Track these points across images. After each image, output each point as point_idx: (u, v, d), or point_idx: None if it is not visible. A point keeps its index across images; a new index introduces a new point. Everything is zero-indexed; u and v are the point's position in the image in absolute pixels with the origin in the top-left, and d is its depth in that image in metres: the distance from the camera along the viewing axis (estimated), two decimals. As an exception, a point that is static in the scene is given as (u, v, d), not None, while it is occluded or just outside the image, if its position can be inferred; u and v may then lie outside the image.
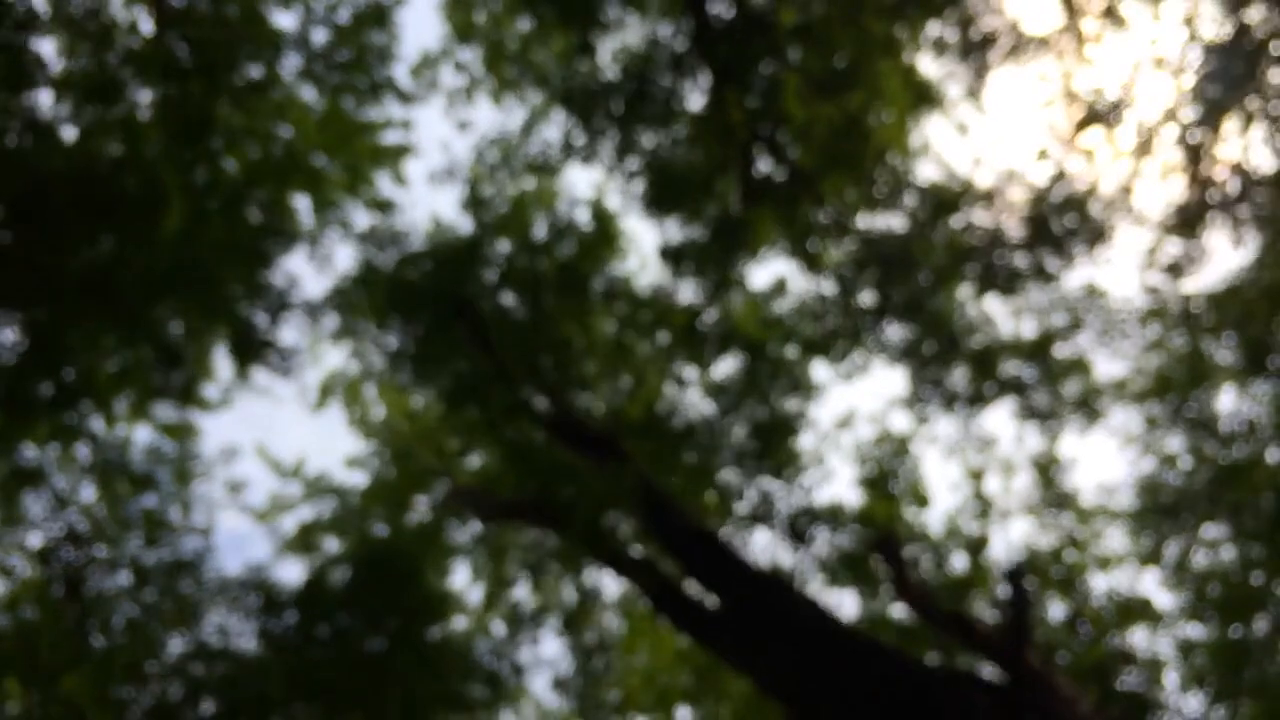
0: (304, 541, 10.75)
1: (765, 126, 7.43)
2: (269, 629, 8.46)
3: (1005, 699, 4.13)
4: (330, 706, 7.70)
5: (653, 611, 5.82)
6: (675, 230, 9.33)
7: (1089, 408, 10.69)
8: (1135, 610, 9.31)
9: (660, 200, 8.38)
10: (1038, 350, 10.17)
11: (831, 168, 7.70)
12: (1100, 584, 9.83)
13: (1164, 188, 10.98)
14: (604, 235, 10.12)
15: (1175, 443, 11.21)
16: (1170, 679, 9.92)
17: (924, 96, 8.03)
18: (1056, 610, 9.73)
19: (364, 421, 12.26)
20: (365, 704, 7.62)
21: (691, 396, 9.51)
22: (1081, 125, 10.98)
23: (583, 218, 9.93)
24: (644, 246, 10.22)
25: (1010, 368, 10.16)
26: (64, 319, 6.23)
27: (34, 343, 6.79)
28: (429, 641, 8.01)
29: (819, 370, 10.53)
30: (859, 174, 7.85)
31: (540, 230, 10.08)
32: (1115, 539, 11.18)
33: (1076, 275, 10.68)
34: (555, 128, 9.58)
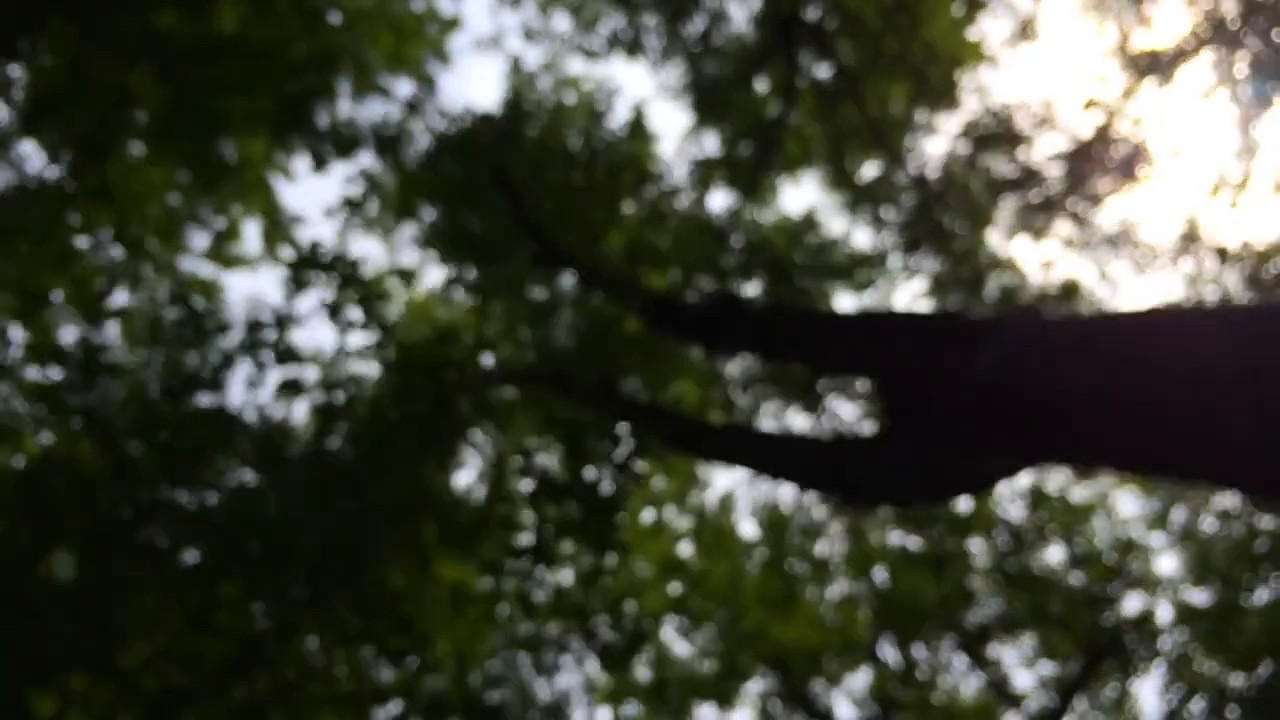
0: (314, 423, 10.87)
1: (814, 8, 7.40)
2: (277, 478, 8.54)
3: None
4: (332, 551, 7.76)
5: (667, 447, 5.88)
6: (712, 137, 9.34)
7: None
8: (1135, 548, 9.28)
9: (700, 95, 8.37)
10: (1065, 294, 10.09)
11: (877, 67, 7.67)
12: (1104, 525, 9.80)
13: (1211, 148, 10.87)
14: (638, 146, 10.12)
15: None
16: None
17: (976, 6, 7.96)
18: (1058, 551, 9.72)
19: (383, 313, 12.35)
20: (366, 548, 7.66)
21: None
22: (1133, 80, 10.89)
23: (620, 121, 9.92)
24: (680, 160, 10.19)
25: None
26: (116, 113, 6.35)
27: (78, 157, 6.89)
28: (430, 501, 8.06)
29: (843, 300, 10.50)
30: (905, 75, 7.81)
31: (575, 140, 10.09)
32: (1124, 502, 11.13)
33: (1110, 220, 10.59)
34: (602, 28, 9.58)
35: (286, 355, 7.11)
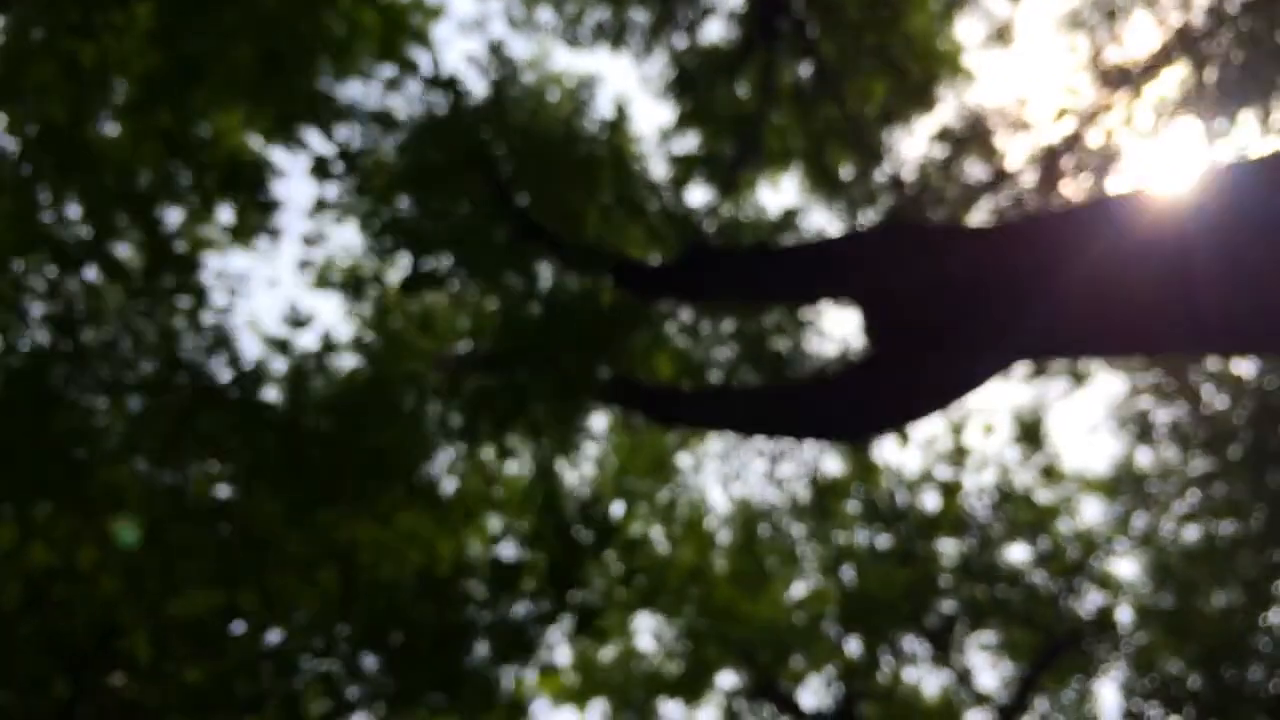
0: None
1: (797, 3, 7.49)
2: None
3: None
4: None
5: (644, 418, 5.88)
6: (692, 133, 9.40)
7: (1075, 369, 10.78)
8: (1099, 542, 9.43)
9: (682, 90, 8.43)
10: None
11: (858, 62, 7.76)
12: (1068, 526, 9.95)
13: (1179, 158, 11.13)
14: (619, 140, 10.16)
15: (1156, 415, 11.33)
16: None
17: (955, 4, 8.10)
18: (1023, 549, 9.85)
19: (358, 304, 12.30)
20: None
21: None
22: (1105, 90, 11.13)
23: (601, 113, 9.95)
24: (659, 154, 10.23)
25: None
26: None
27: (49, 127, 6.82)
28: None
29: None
30: (885, 70, 7.92)
31: (556, 127, 10.12)
32: (1088, 507, 11.33)
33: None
34: (588, 19, 9.63)
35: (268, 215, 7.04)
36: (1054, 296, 3.42)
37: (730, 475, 8.84)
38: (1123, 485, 11.24)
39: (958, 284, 3.76)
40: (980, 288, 3.69)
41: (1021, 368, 4.11)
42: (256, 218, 10.01)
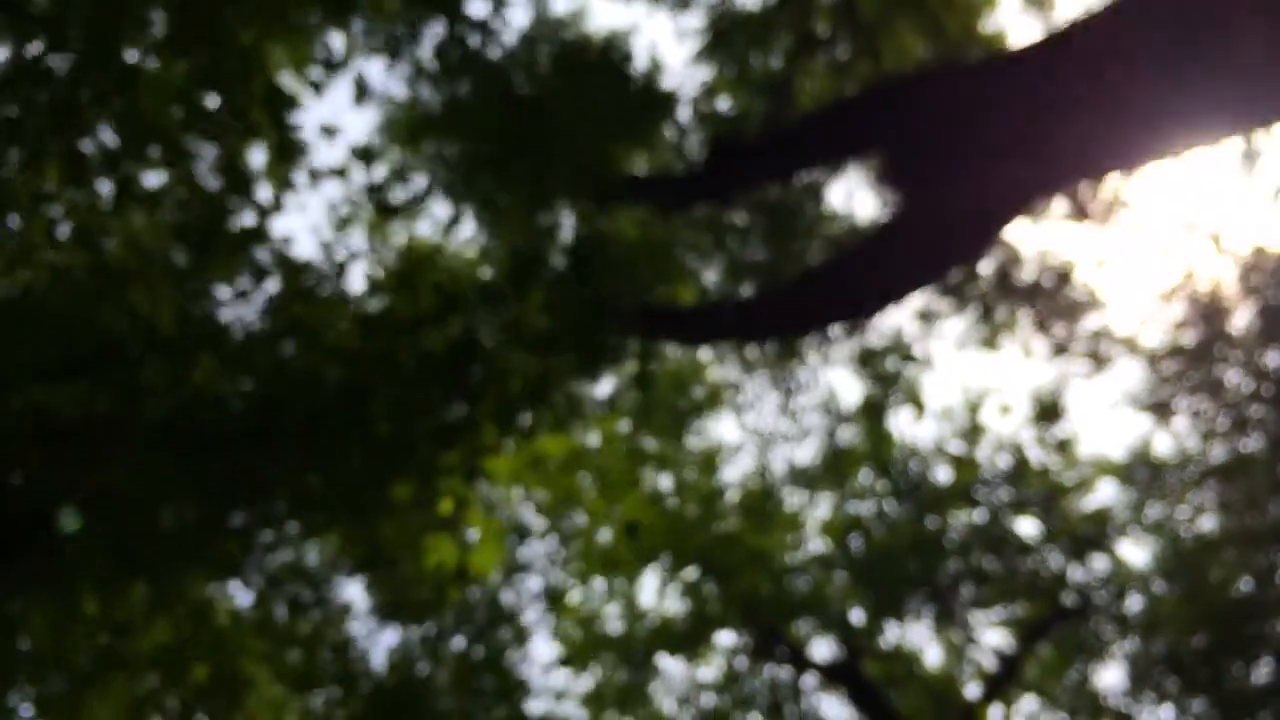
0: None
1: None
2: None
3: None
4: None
5: (667, 340, 5.86)
6: (723, 91, 9.37)
7: (1097, 352, 10.69)
8: (1110, 523, 9.38)
9: (716, 45, 8.41)
10: (1061, 278, 10.17)
11: (895, 17, 7.71)
12: (1077, 504, 9.90)
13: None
14: (652, 95, 10.15)
15: (1178, 403, 11.22)
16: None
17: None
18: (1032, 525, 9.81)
19: (383, 251, 12.35)
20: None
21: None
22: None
23: (638, 66, 9.94)
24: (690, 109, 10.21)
25: (1030, 280, 10.20)
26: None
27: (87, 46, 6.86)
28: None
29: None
30: (922, 24, 7.87)
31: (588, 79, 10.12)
32: (1102, 490, 11.26)
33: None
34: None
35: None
36: (1085, 98, 3.42)
37: (746, 406, 8.84)
38: (1137, 471, 11.15)
39: (980, 103, 3.75)
40: (1003, 102, 3.68)
41: (1055, 191, 4.07)
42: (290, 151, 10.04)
